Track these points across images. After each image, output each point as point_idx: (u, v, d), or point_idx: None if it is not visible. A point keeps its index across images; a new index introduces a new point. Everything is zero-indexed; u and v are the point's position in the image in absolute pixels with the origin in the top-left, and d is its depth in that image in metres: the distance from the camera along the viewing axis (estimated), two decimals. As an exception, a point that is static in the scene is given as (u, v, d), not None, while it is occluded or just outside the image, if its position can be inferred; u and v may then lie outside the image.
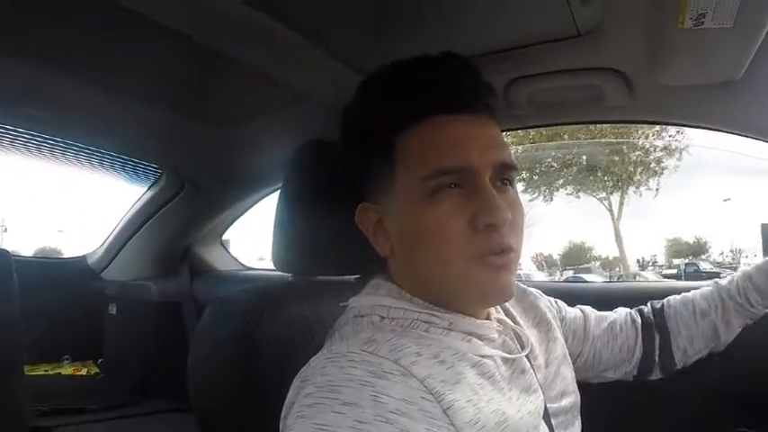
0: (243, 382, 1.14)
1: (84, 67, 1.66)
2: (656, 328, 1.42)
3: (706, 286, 1.48)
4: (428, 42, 1.07)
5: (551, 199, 15.21)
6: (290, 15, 1.44)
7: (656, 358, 1.41)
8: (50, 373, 2.82)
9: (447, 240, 0.92)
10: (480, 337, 0.98)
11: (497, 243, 0.91)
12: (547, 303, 1.34)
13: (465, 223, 0.91)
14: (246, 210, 2.95)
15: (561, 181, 15.75)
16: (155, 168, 2.66)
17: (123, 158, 2.53)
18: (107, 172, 2.69)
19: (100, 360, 3.00)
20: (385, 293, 1.02)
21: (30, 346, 2.22)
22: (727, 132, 1.72)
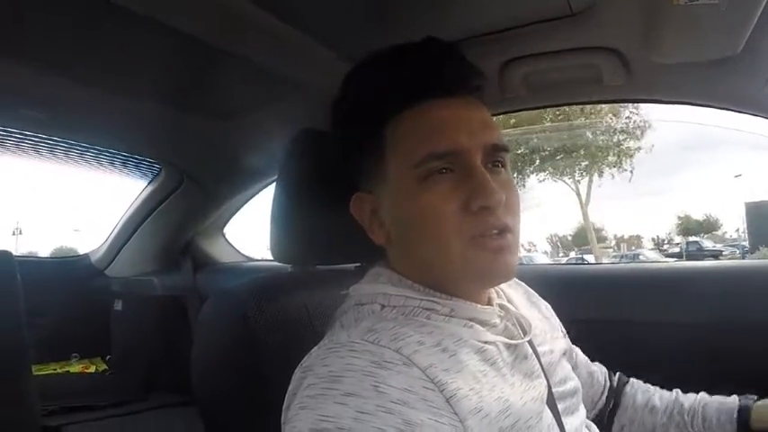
0: (243, 374, 1.14)
1: (79, 65, 1.66)
2: (613, 395, 1.42)
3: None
4: (421, 27, 1.07)
5: (524, 186, 15.39)
6: (280, 5, 1.43)
7: (605, 420, 1.40)
8: (59, 371, 2.84)
9: (442, 224, 0.91)
10: (482, 323, 0.98)
11: (493, 224, 0.91)
12: (555, 317, 1.33)
13: (459, 206, 0.91)
14: (247, 201, 2.95)
15: (531, 167, 15.89)
16: (154, 164, 2.65)
17: (122, 155, 2.53)
18: (107, 169, 2.69)
19: (108, 357, 3.01)
20: (385, 281, 1.01)
21: (37, 346, 2.23)
22: (727, 109, 1.71)
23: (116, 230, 3.04)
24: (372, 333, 0.86)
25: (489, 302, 1.05)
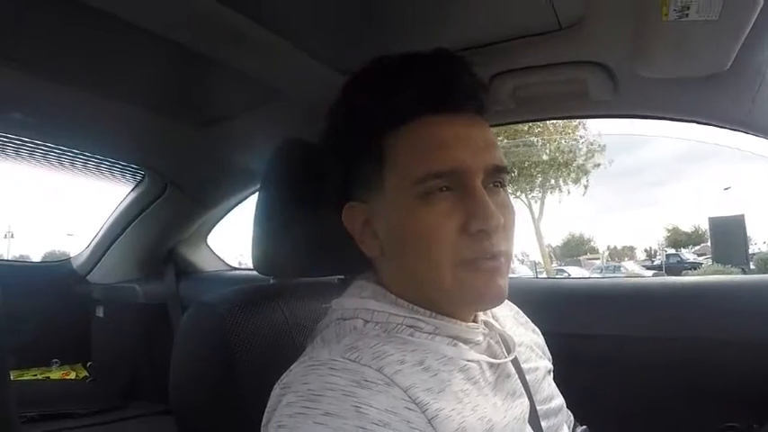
0: (221, 386, 1.13)
1: (64, 70, 1.65)
2: None
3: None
4: (408, 39, 1.06)
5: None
6: (267, 15, 1.42)
7: None
8: (39, 377, 2.81)
9: (439, 244, 0.89)
10: (466, 341, 0.97)
11: (488, 249, 0.90)
12: (541, 337, 1.31)
13: (457, 227, 0.89)
14: (231, 209, 2.94)
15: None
16: (138, 170, 2.64)
17: (108, 161, 2.51)
18: (93, 175, 2.67)
19: (89, 363, 2.98)
20: (369, 295, 0.99)
21: (18, 351, 2.20)
22: (714, 125, 1.70)
23: (99, 236, 3.02)
24: (354, 351, 0.84)
25: (474, 319, 1.04)
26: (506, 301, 1.26)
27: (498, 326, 1.08)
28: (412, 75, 0.94)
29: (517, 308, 1.31)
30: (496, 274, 0.91)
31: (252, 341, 1.13)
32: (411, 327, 0.94)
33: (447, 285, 0.91)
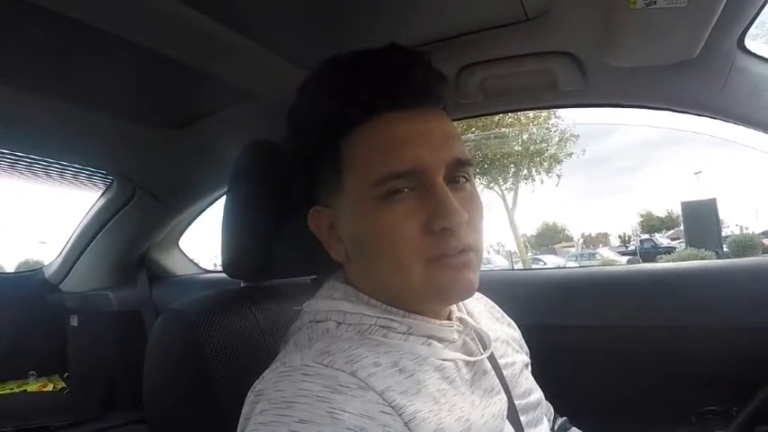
0: (194, 394, 1.13)
1: (25, 75, 1.62)
2: None
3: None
4: (374, 34, 1.04)
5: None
6: (232, 15, 1.40)
7: None
8: (16, 391, 2.77)
9: (402, 245, 0.88)
10: (440, 340, 0.96)
11: (454, 246, 0.88)
12: (518, 331, 1.30)
13: (419, 226, 0.87)
14: (202, 212, 2.91)
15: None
16: (105, 175, 2.59)
17: (74, 168, 2.46)
18: (58, 182, 2.61)
19: (66, 374, 2.94)
20: (341, 297, 0.98)
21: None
22: (685, 112, 1.71)
23: (70, 244, 2.97)
24: (326, 355, 0.83)
25: (449, 316, 1.03)
26: (481, 295, 1.26)
27: (473, 322, 1.07)
28: (364, 72, 0.92)
29: (492, 302, 1.30)
30: (465, 267, 0.90)
31: (224, 347, 1.12)
32: (384, 327, 0.93)
33: (415, 281, 0.89)
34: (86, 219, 2.84)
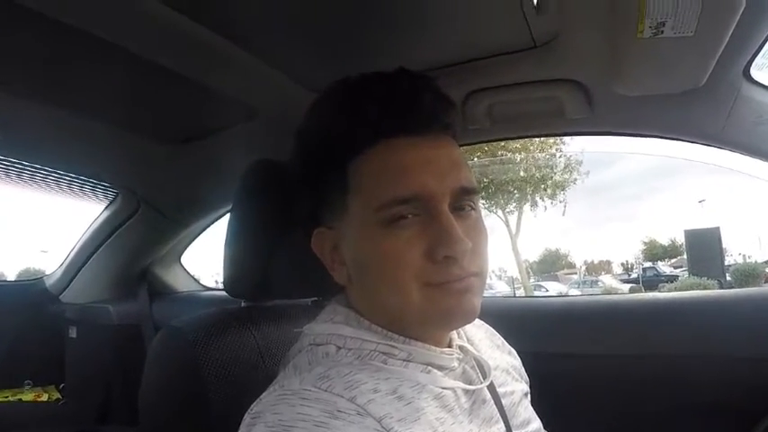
0: (191, 413, 1.12)
1: (36, 87, 1.63)
2: None
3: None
4: (382, 57, 1.04)
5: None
6: (242, 34, 1.41)
7: None
8: (11, 399, 2.76)
9: (404, 271, 0.87)
10: (440, 368, 0.95)
11: (457, 274, 0.87)
12: (518, 359, 1.29)
13: (422, 253, 0.87)
14: (206, 228, 2.91)
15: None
16: (110, 188, 2.60)
17: (80, 179, 2.46)
18: (65, 193, 2.62)
19: (62, 385, 2.93)
20: (342, 321, 0.97)
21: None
22: (690, 141, 1.71)
23: (71, 255, 2.97)
24: (325, 380, 0.82)
25: (449, 344, 1.02)
26: (482, 323, 1.25)
27: (473, 350, 1.06)
28: (371, 96, 0.91)
29: (493, 330, 1.29)
30: (468, 292, 0.89)
31: (222, 367, 1.12)
32: (384, 353, 0.92)
33: (415, 305, 0.88)
34: (89, 231, 2.84)
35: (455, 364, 0.98)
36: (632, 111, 1.65)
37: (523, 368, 1.27)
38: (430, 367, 0.93)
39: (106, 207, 2.74)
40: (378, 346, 0.93)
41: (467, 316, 0.92)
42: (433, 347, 0.96)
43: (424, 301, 0.88)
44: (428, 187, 0.87)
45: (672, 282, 15.20)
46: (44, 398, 2.85)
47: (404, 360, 0.92)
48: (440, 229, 0.86)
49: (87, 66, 1.52)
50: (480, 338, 1.18)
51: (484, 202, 16.90)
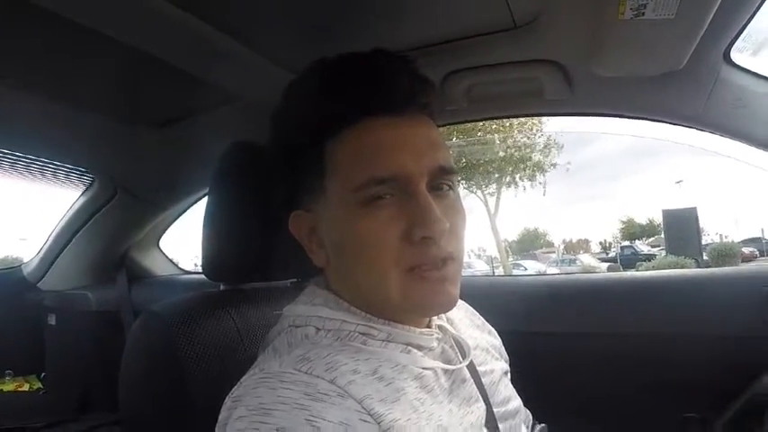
0: (171, 398, 1.11)
1: (7, 72, 1.60)
2: None
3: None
4: (361, 38, 1.04)
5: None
6: (217, 14, 1.39)
7: None
8: (-7, 390, 2.74)
9: (381, 253, 0.86)
10: (419, 348, 0.95)
11: (434, 255, 0.87)
12: (498, 338, 1.29)
13: (400, 234, 0.86)
14: (183, 212, 2.90)
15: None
16: (86, 173, 2.56)
17: (54, 165, 2.43)
18: (37, 179, 2.58)
19: (43, 374, 2.91)
20: (321, 303, 0.97)
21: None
22: (669, 123, 1.72)
23: (49, 242, 2.94)
24: (305, 362, 0.82)
25: (428, 324, 1.02)
26: (462, 302, 1.26)
27: (453, 330, 1.06)
28: (349, 77, 0.91)
29: (473, 309, 1.30)
30: (445, 281, 0.89)
31: (201, 351, 1.11)
32: (363, 334, 0.92)
33: (392, 294, 0.88)
34: (66, 217, 2.81)
35: (434, 344, 0.98)
36: (612, 92, 1.66)
37: (504, 347, 1.27)
38: (409, 347, 0.93)
39: (83, 193, 2.71)
40: (357, 327, 0.92)
41: (445, 305, 0.92)
42: (413, 328, 0.95)
43: (403, 289, 0.88)
44: (406, 167, 0.87)
45: (649, 260, 15.35)
46: (25, 387, 2.83)
47: (383, 341, 0.92)
48: (417, 209, 0.86)
49: (65, 51, 1.50)
50: (460, 318, 1.18)
51: (463, 182, 16.92)
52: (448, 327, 1.05)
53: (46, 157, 2.35)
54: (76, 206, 2.75)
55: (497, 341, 1.26)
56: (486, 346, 1.17)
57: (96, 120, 1.97)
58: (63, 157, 2.37)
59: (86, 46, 1.45)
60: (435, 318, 1.05)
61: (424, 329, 0.98)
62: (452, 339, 1.04)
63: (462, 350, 1.04)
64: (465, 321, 1.20)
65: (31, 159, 2.34)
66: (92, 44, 1.42)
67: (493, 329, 1.29)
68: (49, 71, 1.61)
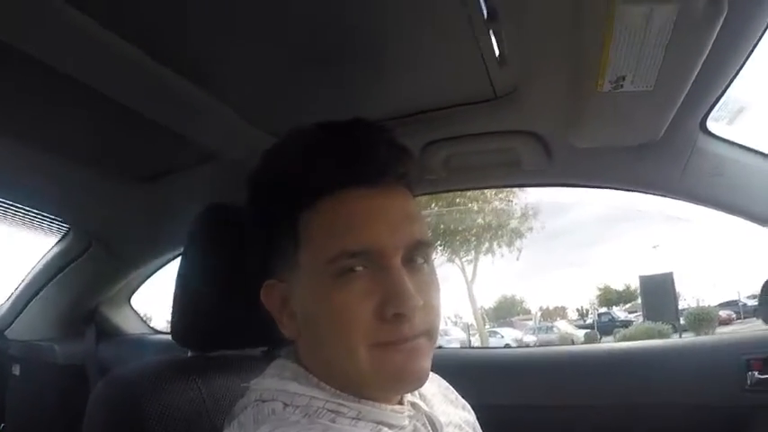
0: None
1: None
2: None
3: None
4: (341, 105, 1.02)
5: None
6: (198, 73, 1.38)
7: None
8: (-50, 441, 2.66)
9: (353, 328, 0.84)
10: (390, 426, 0.92)
11: (406, 333, 0.85)
12: (472, 414, 1.26)
13: (372, 309, 0.84)
14: (157, 270, 2.84)
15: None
16: (62, 223, 2.52)
17: (32, 212, 2.39)
18: (12, 225, 2.54)
19: (2, 425, 2.83)
20: (290, 377, 0.94)
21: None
22: (647, 193, 1.72)
23: (19, 290, 2.87)
24: None
25: (401, 400, 0.99)
26: (436, 376, 1.23)
27: (425, 406, 1.03)
28: (326, 146, 0.90)
29: (446, 383, 1.27)
30: (416, 354, 0.88)
31: (165, 420, 1.08)
32: (333, 411, 0.89)
33: (363, 368, 0.86)
34: (39, 266, 2.76)
35: (406, 421, 0.95)
36: (589, 162, 1.67)
37: (478, 423, 1.24)
38: (380, 426, 0.90)
39: (57, 242, 2.66)
40: (326, 403, 0.90)
41: (416, 380, 0.90)
42: (384, 405, 0.93)
43: (373, 363, 0.85)
44: (379, 240, 0.85)
45: (627, 327, 15.36)
46: (-16, 439, 2.75)
47: (353, 418, 0.89)
48: (391, 285, 0.84)
49: (45, 100, 1.48)
50: (433, 393, 1.15)
51: (441, 249, 17.00)
52: (420, 403, 1.03)
53: (21, 204, 2.32)
54: (50, 255, 2.69)
55: (471, 417, 1.23)
56: (459, 423, 1.14)
57: (75, 171, 1.94)
58: (39, 205, 2.34)
59: (70, 97, 1.43)
60: (408, 394, 1.02)
61: (395, 406, 0.95)
62: (425, 417, 1.01)
63: (435, 428, 1.01)
64: (438, 397, 1.17)
65: (7, 204, 2.31)
66: (75, 96, 1.40)
67: (467, 404, 1.26)
68: (27, 116, 1.58)
